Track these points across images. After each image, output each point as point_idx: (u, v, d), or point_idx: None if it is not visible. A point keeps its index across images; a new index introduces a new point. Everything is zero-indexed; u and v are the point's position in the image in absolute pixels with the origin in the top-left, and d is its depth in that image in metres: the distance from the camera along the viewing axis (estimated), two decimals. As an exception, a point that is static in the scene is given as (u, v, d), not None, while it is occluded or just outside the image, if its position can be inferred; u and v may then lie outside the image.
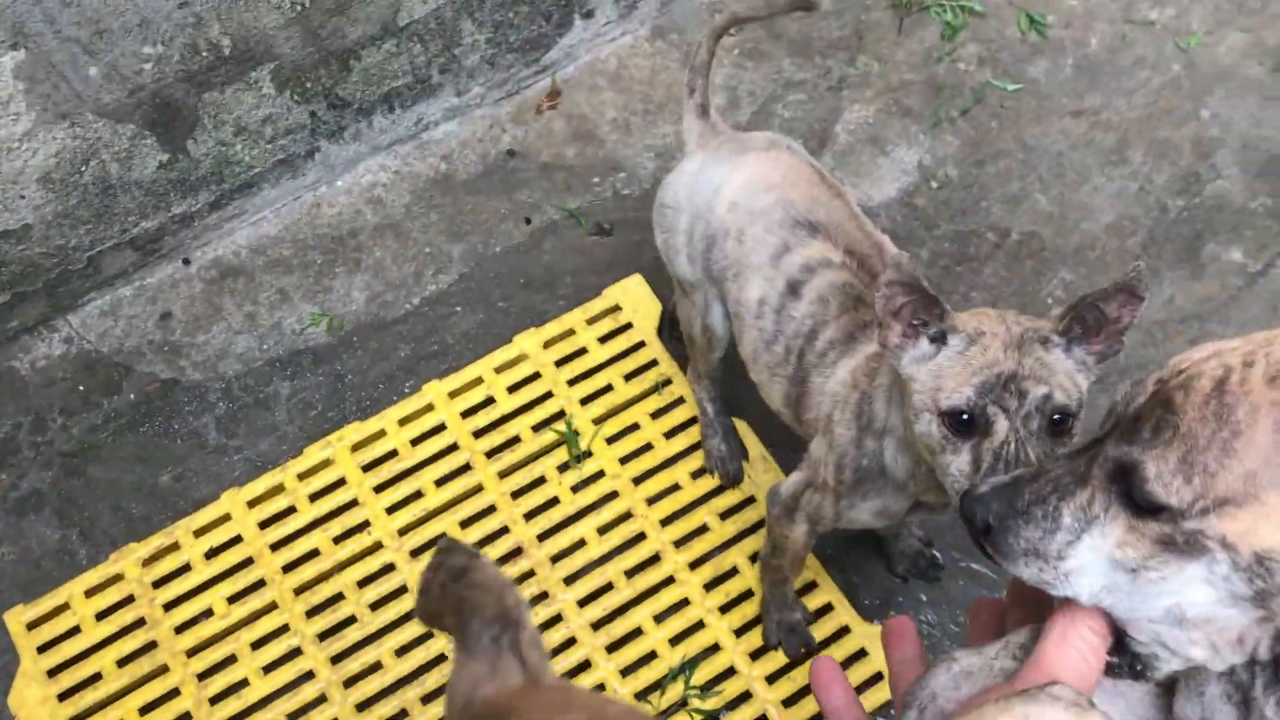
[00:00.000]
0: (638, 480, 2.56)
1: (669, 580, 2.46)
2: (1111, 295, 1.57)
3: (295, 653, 2.39)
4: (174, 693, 2.35)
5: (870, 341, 1.92)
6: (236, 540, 2.49)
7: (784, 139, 2.23)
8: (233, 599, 2.43)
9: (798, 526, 2.07)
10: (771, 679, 2.36)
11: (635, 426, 2.62)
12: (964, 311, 1.68)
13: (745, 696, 2.35)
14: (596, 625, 2.41)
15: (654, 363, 2.68)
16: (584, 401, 2.63)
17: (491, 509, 2.52)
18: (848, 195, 2.10)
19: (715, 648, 2.40)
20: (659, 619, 2.42)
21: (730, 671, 2.38)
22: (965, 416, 1.57)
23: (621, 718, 1.09)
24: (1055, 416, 1.57)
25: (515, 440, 2.59)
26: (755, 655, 2.39)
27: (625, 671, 2.37)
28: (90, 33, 2.23)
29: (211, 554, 2.47)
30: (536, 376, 2.66)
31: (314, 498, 2.53)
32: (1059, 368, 1.58)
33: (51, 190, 2.47)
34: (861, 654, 2.38)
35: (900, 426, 1.79)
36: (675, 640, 2.40)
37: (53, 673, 2.36)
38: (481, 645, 1.13)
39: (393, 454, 2.57)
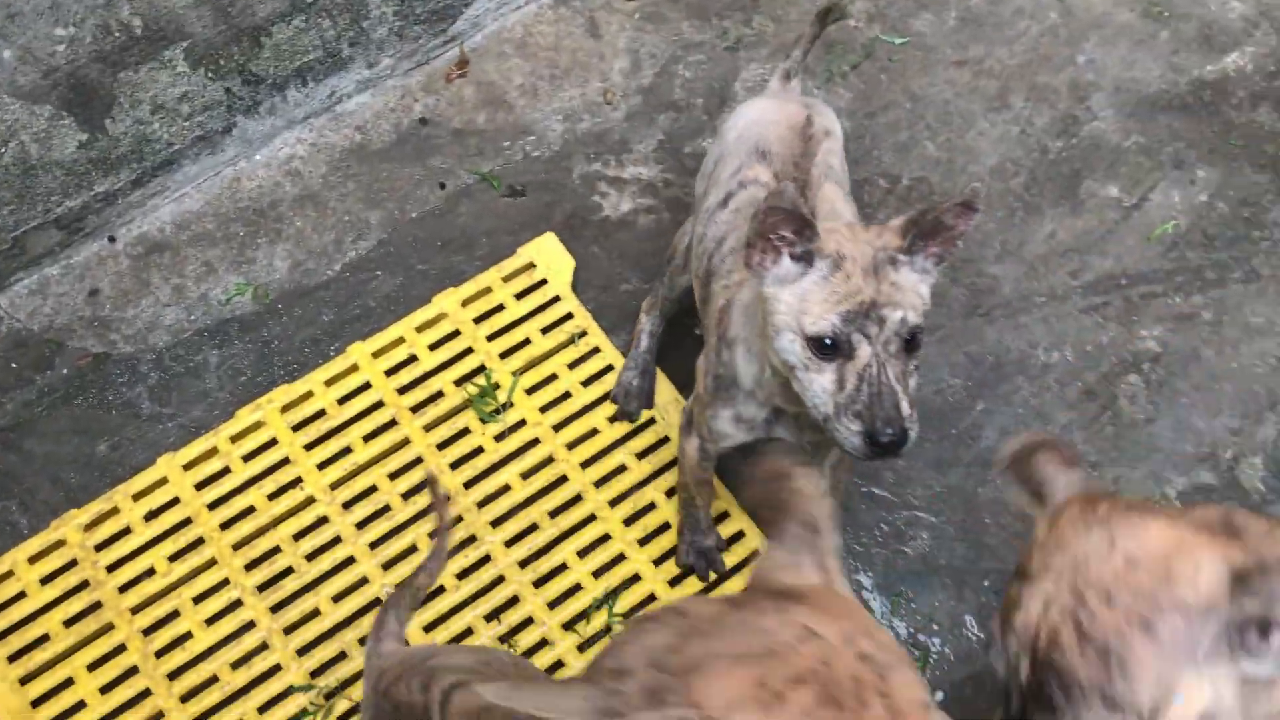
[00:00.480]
0: (557, 427, 2.70)
1: (590, 518, 2.60)
2: (949, 208, 1.74)
3: (236, 604, 2.50)
4: (120, 649, 2.46)
5: None
6: (174, 502, 2.59)
7: (821, 105, 2.37)
8: (173, 557, 2.54)
9: (691, 441, 2.23)
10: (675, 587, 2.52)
11: (553, 377, 2.75)
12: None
13: (665, 621, 2.51)
14: (524, 563, 2.55)
15: (569, 316, 2.81)
16: (503, 355, 2.76)
17: (418, 460, 2.65)
18: (824, 150, 2.25)
19: (636, 578, 2.56)
20: (582, 554, 2.57)
21: (650, 598, 2.53)
22: (829, 342, 1.73)
23: (888, 646, 1.19)
24: (908, 335, 1.74)
25: (438, 395, 2.71)
26: (674, 583, 2.55)
27: (552, 604, 2.51)
28: (2, 16, 2.31)
29: (150, 516, 2.58)
30: (456, 334, 2.78)
31: (247, 458, 2.64)
32: (909, 286, 1.74)
33: (-28, 173, 2.55)
34: (772, 576, 2.55)
35: (749, 337, 1.95)
36: (598, 573, 2.55)
37: (0, 636, 2.45)
38: (788, 540, 1.28)
39: (321, 413, 2.69)
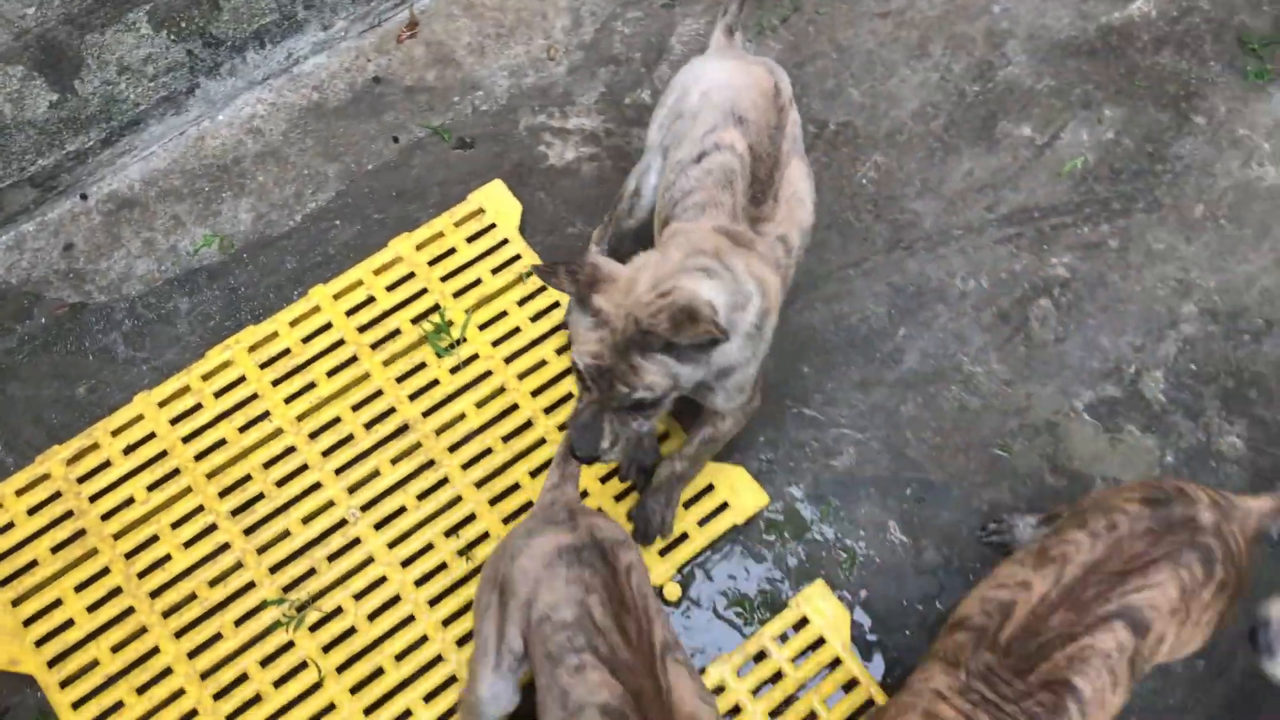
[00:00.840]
0: (509, 359, 2.89)
1: (541, 441, 2.80)
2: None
3: (211, 528, 2.69)
4: (104, 571, 2.64)
5: (705, 221, 2.28)
6: (151, 436, 2.77)
7: (778, 68, 2.55)
8: (151, 487, 2.72)
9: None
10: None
11: (504, 314, 2.95)
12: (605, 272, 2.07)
13: (611, 532, 2.72)
14: (479, 484, 2.75)
15: (517, 257, 3.00)
16: (456, 294, 2.95)
17: (379, 393, 2.84)
18: (791, 121, 2.44)
19: (584, 494, 2.76)
20: (533, 474, 2.77)
21: (599, 511, 2.73)
22: (579, 372, 2.08)
23: None
24: (634, 404, 2.06)
25: (396, 333, 2.90)
26: (618, 498, 2.75)
27: (507, 520, 2.71)
28: (-25, -19, 2.48)
29: (129, 450, 2.76)
30: (411, 276, 2.97)
31: (218, 394, 2.82)
32: (649, 369, 2.02)
33: (-50, 132, 2.71)
34: (709, 488, 2.76)
35: None
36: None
37: (-8, 563, 2.64)
38: None
39: (286, 352, 2.87)
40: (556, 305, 2.95)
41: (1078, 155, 3.26)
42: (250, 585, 2.64)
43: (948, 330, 3.02)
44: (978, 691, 2.07)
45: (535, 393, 2.85)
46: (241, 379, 2.84)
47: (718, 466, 2.78)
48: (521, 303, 2.96)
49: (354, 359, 2.87)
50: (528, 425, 2.82)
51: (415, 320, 2.92)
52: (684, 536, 2.72)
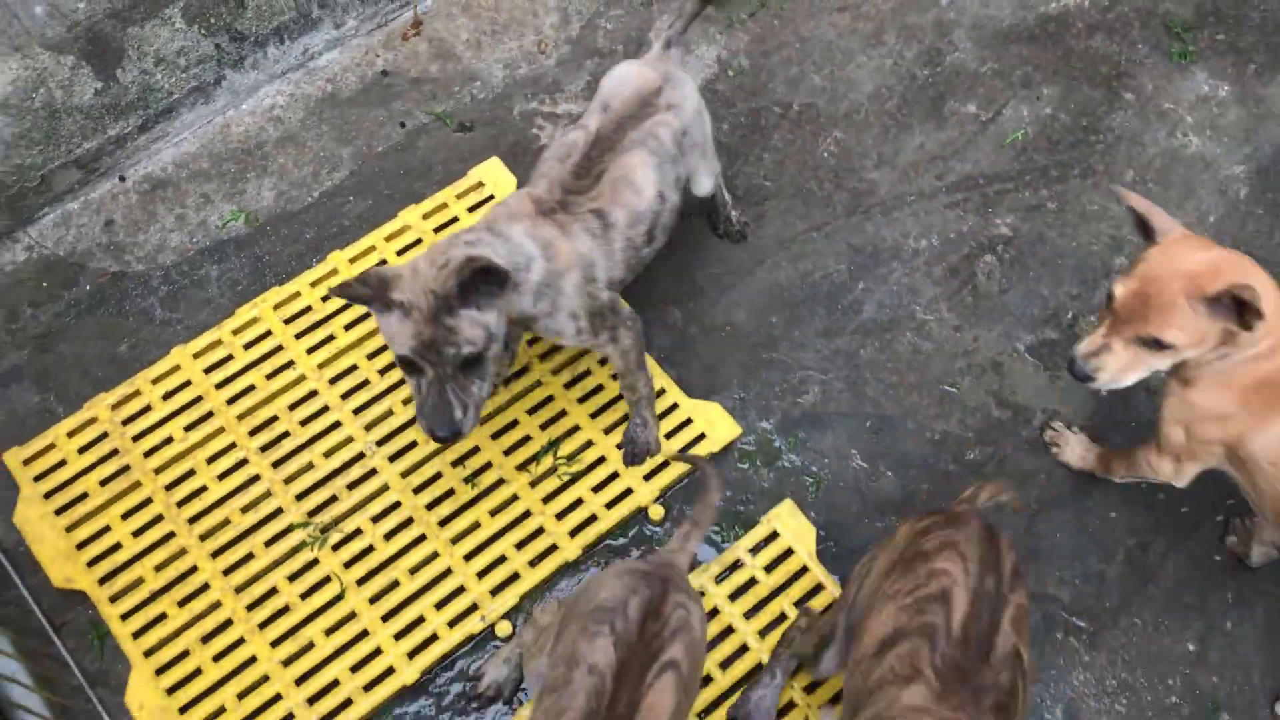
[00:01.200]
0: (507, 313, 3.22)
1: (537, 383, 3.12)
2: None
3: (242, 462, 3.01)
4: (147, 501, 2.96)
5: (531, 187, 2.65)
6: (187, 384, 3.09)
7: (680, 82, 2.85)
8: (188, 428, 3.04)
9: None
10: (622, 444, 3.05)
11: (502, 274, 3.27)
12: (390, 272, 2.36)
13: (601, 460, 3.04)
14: (483, 420, 3.07)
15: (513, 224, 3.34)
16: (459, 257, 3.28)
17: (391, 343, 3.16)
18: (658, 121, 2.74)
19: (576, 428, 3.08)
20: (530, 411, 3.08)
21: (589, 444, 3.05)
22: (407, 363, 2.37)
23: None
24: (465, 359, 2.34)
25: (406, 291, 3.23)
26: (608, 430, 3.07)
27: (507, 451, 3.03)
28: (35, -23, 2.83)
29: (168, 396, 3.08)
30: (419, 241, 3.30)
31: (247, 346, 3.14)
32: (462, 325, 2.32)
33: (9, 115, 3.05)
34: (688, 421, 3.08)
35: None
36: (544, 425, 3.07)
37: (47, 495, 2.95)
38: None
39: (307, 309, 3.20)
40: (549, 266, 3.28)
41: (1019, 129, 3.60)
42: (278, 511, 2.95)
43: (902, 284, 3.35)
44: (954, 692, 2.00)
45: (530, 341, 3.18)
46: (268, 333, 3.16)
47: (695, 403, 3.10)
48: (518, 264, 3.29)
49: (368, 314, 3.19)
50: (525, 370, 3.14)
51: (422, 280, 3.24)
52: (665, 464, 3.04)
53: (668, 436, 3.07)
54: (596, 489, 3.00)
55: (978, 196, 3.49)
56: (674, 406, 3.11)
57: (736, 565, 2.92)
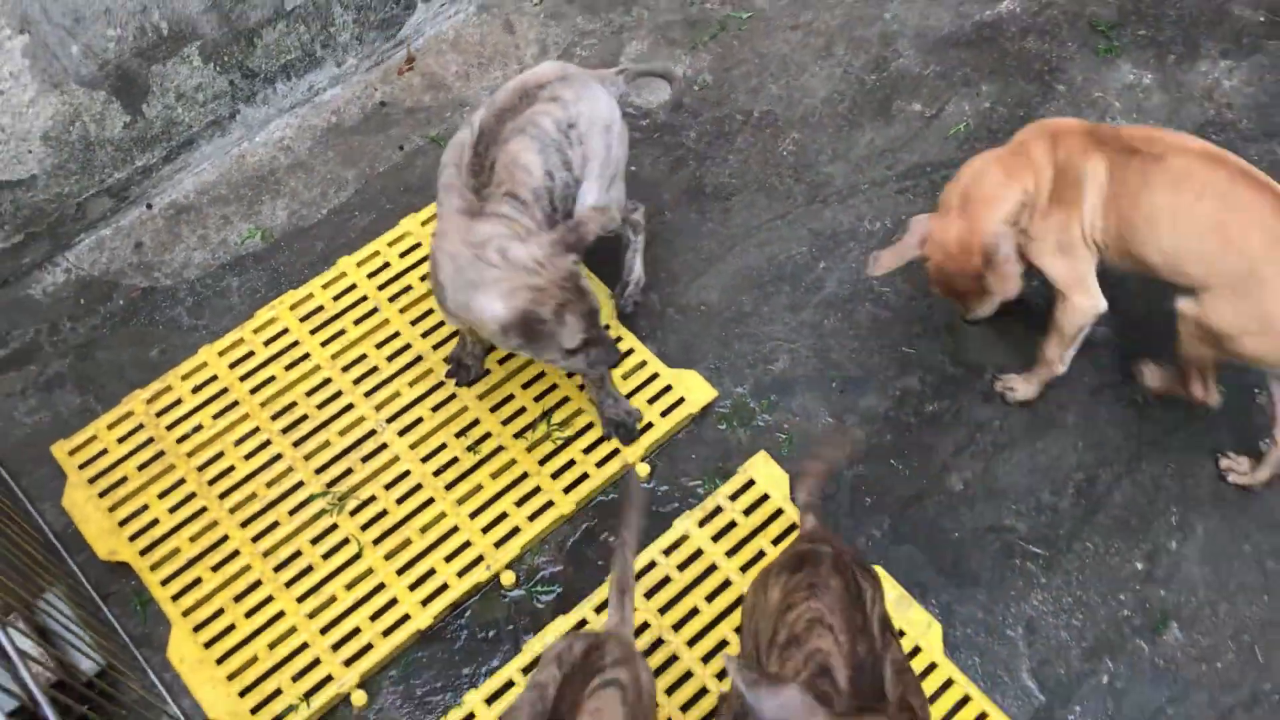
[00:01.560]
0: (500, 304, 3.54)
1: (529, 361, 3.44)
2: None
3: (265, 444, 3.32)
4: (181, 481, 3.26)
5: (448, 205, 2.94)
6: (213, 378, 3.42)
7: (583, 78, 3.12)
8: (216, 416, 3.36)
9: None
10: (607, 413, 3.36)
11: (495, 271, 3.61)
12: None
13: (590, 425, 3.34)
14: (480, 396, 3.38)
15: (503, 226, 3.68)
16: (455, 257, 3.62)
17: (397, 334, 3.49)
18: (537, 111, 2.97)
19: (566, 399, 3.39)
20: (525, 386, 3.40)
21: (579, 411, 3.36)
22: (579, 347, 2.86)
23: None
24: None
25: (408, 288, 3.57)
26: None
27: (505, 421, 3.34)
28: (72, 19, 3.22)
29: (196, 389, 3.40)
30: (419, 245, 3.65)
31: (267, 343, 3.47)
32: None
33: (50, 146, 3.43)
34: (668, 388, 3.39)
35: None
36: (538, 398, 3.38)
37: (91, 480, 3.26)
38: None
39: (320, 308, 3.54)
40: (537, 261, 3.62)
41: (961, 121, 3.95)
42: (300, 484, 3.25)
43: (859, 261, 3.68)
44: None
45: (523, 327, 3.50)
46: (285, 330, 3.49)
47: (676, 371, 3.41)
48: (509, 260, 3.63)
49: (375, 309, 3.53)
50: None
51: (423, 278, 3.58)
52: (650, 425, 3.34)
53: (650, 402, 3.37)
54: (587, 450, 3.30)
55: (925, 182, 3.83)
56: (654, 376, 3.42)
57: (717, 510, 3.20)
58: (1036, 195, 3.04)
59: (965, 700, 2.95)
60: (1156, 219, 2.92)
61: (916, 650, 3.00)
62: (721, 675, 2.96)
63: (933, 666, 3.00)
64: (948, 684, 2.97)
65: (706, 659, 2.98)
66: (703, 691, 2.94)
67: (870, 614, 2.38)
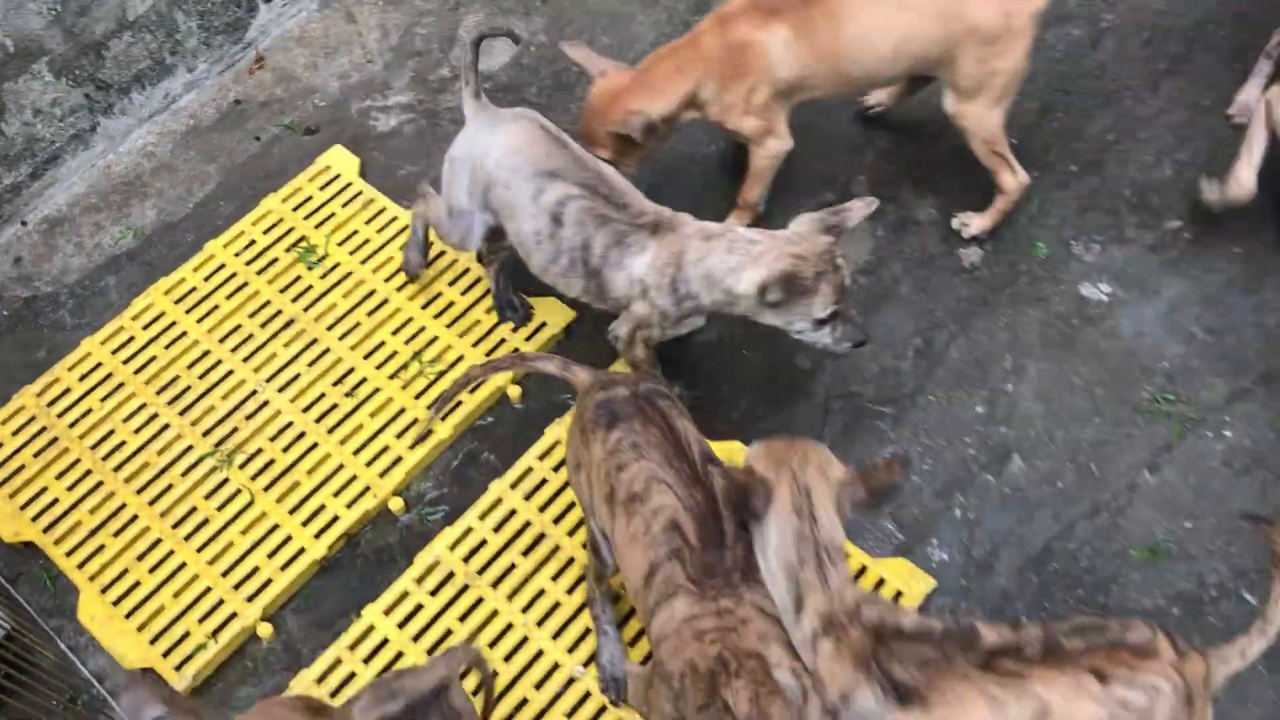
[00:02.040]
0: (363, 261, 3.75)
1: (398, 310, 3.64)
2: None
3: (153, 416, 3.48)
4: (76, 461, 3.42)
5: (648, 243, 3.02)
6: (98, 366, 3.58)
7: (528, 112, 3.30)
8: (104, 398, 3.52)
9: (639, 348, 3.18)
10: (475, 344, 3.56)
11: (355, 232, 3.81)
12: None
13: (460, 358, 3.54)
14: (353, 347, 3.57)
15: (360, 194, 3.90)
16: (317, 226, 3.83)
17: (268, 303, 3.68)
18: (572, 145, 3.18)
19: (435, 338, 3.59)
20: (394, 332, 3.60)
21: (448, 347, 3.57)
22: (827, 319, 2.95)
23: None
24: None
25: (275, 260, 3.76)
26: (462, 334, 3.59)
27: (379, 366, 3.53)
28: (-82, 42, 3.42)
29: (83, 378, 3.57)
30: (281, 221, 3.85)
31: (145, 327, 3.65)
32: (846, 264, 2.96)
33: (-84, 170, 3.61)
34: (543, 325, 3.60)
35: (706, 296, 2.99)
36: (407, 341, 3.58)
37: (-10, 474, 3.42)
38: None
39: (193, 290, 3.72)
40: (395, 219, 3.83)
41: (779, 45, 4.22)
42: (189, 448, 3.43)
43: (696, 180, 3.92)
44: (710, 585, 2.42)
45: (387, 279, 3.71)
46: (162, 314, 3.67)
47: (538, 300, 3.63)
48: (368, 221, 3.84)
49: (245, 284, 3.72)
50: (385, 302, 3.66)
51: (289, 249, 3.79)
52: (516, 350, 3.55)
53: (513, 331, 3.59)
54: (458, 379, 3.51)
55: (752, 103, 4.09)
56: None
57: (528, 471, 3.36)
58: (711, 78, 3.36)
59: (827, 545, 3.17)
60: (866, 37, 3.29)
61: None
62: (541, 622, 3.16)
63: (795, 521, 3.21)
64: (810, 534, 3.19)
65: (526, 609, 3.13)
66: (523, 640, 3.09)
67: (694, 455, 2.59)
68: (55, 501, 3.36)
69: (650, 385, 2.72)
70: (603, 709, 2.98)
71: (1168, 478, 3.27)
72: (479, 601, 3.14)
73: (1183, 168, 3.83)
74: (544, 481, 3.31)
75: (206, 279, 3.74)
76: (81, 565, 3.25)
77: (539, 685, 3.01)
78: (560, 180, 3.07)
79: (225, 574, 3.22)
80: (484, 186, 3.19)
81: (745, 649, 2.33)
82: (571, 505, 3.26)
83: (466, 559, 3.19)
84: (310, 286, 3.72)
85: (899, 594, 3.09)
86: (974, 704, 2.11)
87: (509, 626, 3.10)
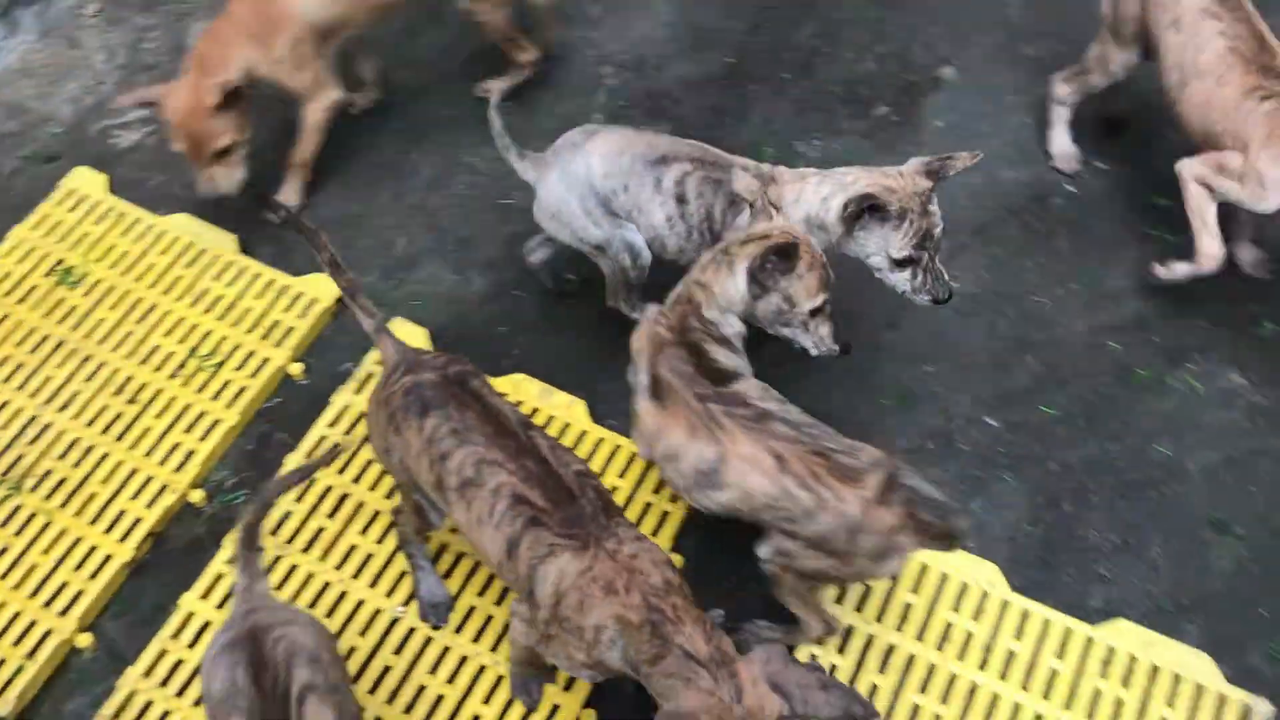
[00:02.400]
0: (124, 272, 3.77)
1: (167, 312, 3.68)
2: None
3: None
4: None
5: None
6: None
7: (586, 126, 3.33)
8: (-124, 452, 3.46)
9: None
10: (249, 331, 3.63)
11: (113, 246, 3.83)
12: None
13: (237, 347, 3.61)
14: (114, 348, 3.60)
15: (111, 208, 3.90)
16: (73, 246, 3.82)
17: (34, 330, 3.66)
18: (650, 131, 3.28)
19: (210, 331, 3.64)
20: (167, 333, 3.64)
21: (222, 339, 3.62)
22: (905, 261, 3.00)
23: None
24: (938, 240, 3.02)
25: (35, 287, 3.75)
26: (235, 324, 3.65)
27: (156, 369, 3.57)
28: None
29: None
30: (34, 249, 3.83)
31: (-92, 375, 3.60)
32: (936, 210, 2.98)
33: None
34: (299, 295, 3.69)
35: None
36: (181, 340, 3.62)
37: None
38: None
39: (-46, 330, 3.68)
40: (151, 227, 3.86)
41: (502, 7, 4.40)
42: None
43: (446, 148, 4.07)
44: (582, 534, 2.45)
45: (151, 285, 3.74)
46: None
47: (302, 278, 3.72)
48: (124, 234, 3.86)
49: (7, 315, 3.69)
50: (153, 307, 3.69)
51: (47, 274, 3.78)
52: (292, 327, 3.63)
53: (285, 311, 3.67)
54: (239, 368, 3.57)
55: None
56: (285, 288, 3.73)
57: (321, 440, 3.42)
58: (250, 40, 3.61)
59: (616, 449, 3.38)
60: None
61: (566, 426, 3.41)
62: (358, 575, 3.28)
63: (584, 434, 3.41)
64: (599, 442, 3.39)
65: (339, 566, 3.23)
66: (342, 595, 3.19)
67: (514, 427, 2.61)
68: None
69: (459, 367, 2.73)
70: (429, 640, 3.11)
71: (908, 333, 3.58)
72: (293, 568, 3.23)
73: (883, 60, 4.18)
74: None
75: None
76: (-121, 617, 3.20)
77: (363, 632, 3.12)
78: (673, 162, 3.16)
79: (32, 595, 3.21)
80: (602, 203, 3.24)
81: (656, 585, 2.38)
82: (369, 462, 3.37)
83: (274, 532, 3.27)
84: (75, 306, 3.72)
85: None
86: (678, 422, 2.67)
87: (325, 585, 3.20)
